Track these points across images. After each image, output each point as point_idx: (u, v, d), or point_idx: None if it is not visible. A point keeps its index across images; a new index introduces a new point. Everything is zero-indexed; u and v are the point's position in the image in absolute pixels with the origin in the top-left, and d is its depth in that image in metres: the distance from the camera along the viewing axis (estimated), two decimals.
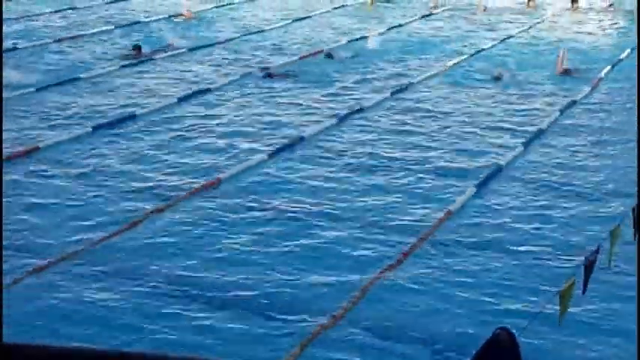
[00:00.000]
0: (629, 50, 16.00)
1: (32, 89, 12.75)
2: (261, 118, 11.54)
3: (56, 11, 20.01)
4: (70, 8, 20.37)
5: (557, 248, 7.66)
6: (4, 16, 18.57)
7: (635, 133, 9.81)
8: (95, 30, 17.72)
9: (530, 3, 22.63)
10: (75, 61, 14.89)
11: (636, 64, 19.42)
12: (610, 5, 21.76)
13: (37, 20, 18.89)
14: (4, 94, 12.07)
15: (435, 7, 21.39)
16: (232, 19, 19.65)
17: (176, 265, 7.25)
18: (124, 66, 14.44)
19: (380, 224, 8.15)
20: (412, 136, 10.91)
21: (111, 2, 21.50)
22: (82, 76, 13.68)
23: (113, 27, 18.21)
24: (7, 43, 15.87)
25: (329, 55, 15.33)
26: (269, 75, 13.67)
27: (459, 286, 6.89)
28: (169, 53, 15.51)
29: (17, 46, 15.89)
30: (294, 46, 16.50)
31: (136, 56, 15.00)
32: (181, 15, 19.31)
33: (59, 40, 16.57)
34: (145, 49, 15.39)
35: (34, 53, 15.48)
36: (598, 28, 19.53)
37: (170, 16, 19.29)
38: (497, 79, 13.58)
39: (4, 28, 17.34)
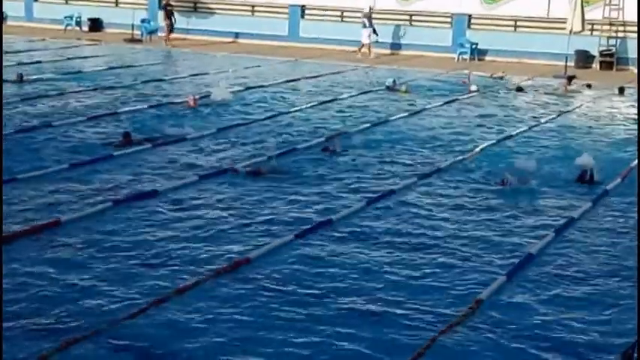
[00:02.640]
0: None
1: (65, 165, 12.94)
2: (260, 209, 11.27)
3: (94, 89, 20.44)
4: (109, 87, 20.80)
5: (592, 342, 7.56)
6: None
7: None
8: (125, 109, 17.95)
9: (567, 87, 22.65)
10: (100, 139, 14.99)
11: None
12: None
13: (74, 97, 19.21)
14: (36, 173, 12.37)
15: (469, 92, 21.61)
16: (246, 103, 19.47)
17: (200, 345, 7.26)
18: (156, 145, 14.54)
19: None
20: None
21: (147, 82, 21.82)
22: (111, 153, 13.82)
23: (146, 106, 18.37)
24: (41, 120, 16.29)
25: (327, 149, 14.61)
26: (254, 172, 12.79)
27: None
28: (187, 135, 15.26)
29: (53, 123, 16.15)
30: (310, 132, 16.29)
31: (123, 144, 14.31)
32: (186, 102, 18.63)
33: (91, 118, 16.82)
34: (139, 136, 14.91)
35: (66, 130, 15.66)
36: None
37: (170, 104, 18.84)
38: (503, 184, 12.47)
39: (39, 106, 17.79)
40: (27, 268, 8.79)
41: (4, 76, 19.50)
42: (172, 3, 31.54)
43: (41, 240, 9.64)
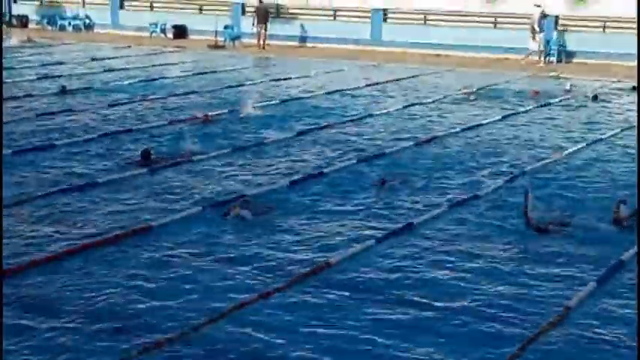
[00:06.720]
0: None
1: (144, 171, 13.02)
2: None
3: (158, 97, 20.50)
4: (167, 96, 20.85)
5: None
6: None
7: None
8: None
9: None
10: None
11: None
12: None
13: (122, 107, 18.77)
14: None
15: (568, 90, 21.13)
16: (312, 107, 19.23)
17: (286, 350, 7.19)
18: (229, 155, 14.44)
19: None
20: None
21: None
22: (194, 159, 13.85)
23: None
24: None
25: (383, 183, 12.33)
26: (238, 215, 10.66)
27: None
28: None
29: (133, 127, 16.31)
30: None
31: (142, 163, 13.22)
32: (198, 117, 17.25)
33: (172, 123, 16.85)
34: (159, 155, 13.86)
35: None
36: None
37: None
38: (542, 230, 10.32)
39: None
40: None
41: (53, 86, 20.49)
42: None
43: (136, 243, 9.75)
